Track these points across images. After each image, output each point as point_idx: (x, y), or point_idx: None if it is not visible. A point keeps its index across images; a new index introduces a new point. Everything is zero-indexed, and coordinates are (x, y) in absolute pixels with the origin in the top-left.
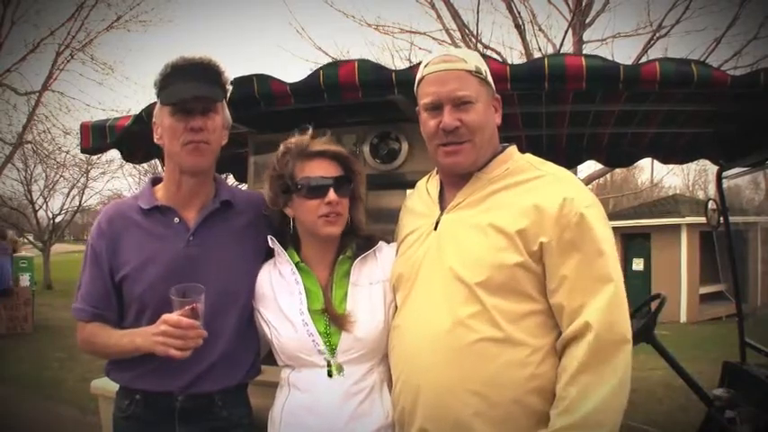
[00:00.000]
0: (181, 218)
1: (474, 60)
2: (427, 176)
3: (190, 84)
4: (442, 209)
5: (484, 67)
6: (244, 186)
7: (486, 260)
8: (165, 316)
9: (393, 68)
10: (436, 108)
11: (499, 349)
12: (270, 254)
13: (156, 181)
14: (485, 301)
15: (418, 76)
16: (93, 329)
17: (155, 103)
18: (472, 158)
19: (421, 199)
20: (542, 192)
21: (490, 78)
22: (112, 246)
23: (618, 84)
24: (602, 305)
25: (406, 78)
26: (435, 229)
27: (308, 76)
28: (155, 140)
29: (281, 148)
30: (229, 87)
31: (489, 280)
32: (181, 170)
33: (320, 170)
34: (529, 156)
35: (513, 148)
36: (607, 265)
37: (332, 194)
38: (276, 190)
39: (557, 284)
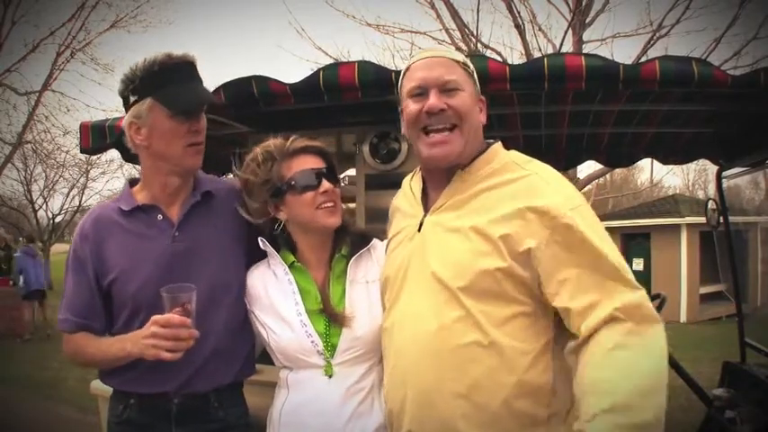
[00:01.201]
0: (164, 215)
1: (461, 57)
2: (412, 173)
3: (189, 86)
4: (426, 209)
5: (471, 65)
6: None
7: (469, 265)
8: (155, 317)
9: (393, 68)
10: (421, 94)
11: (485, 353)
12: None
13: (133, 182)
14: (468, 305)
15: (404, 68)
16: (80, 340)
17: None
18: (459, 149)
19: (406, 197)
20: (527, 194)
21: (476, 77)
22: (97, 250)
23: (618, 83)
24: (627, 298)
25: None
26: (419, 230)
27: (308, 76)
28: (135, 142)
29: (259, 156)
30: None
31: (472, 285)
32: (175, 171)
33: (308, 164)
34: (514, 154)
35: (497, 146)
36: (610, 262)
37: (326, 183)
38: (264, 197)
39: (555, 288)
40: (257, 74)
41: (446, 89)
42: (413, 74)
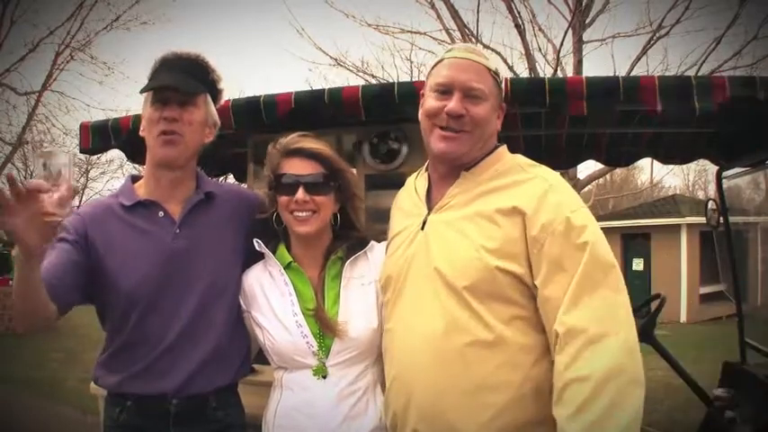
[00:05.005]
0: (165, 211)
1: (495, 63)
2: (417, 173)
3: (171, 74)
4: (430, 208)
5: (501, 73)
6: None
7: (472, 264)
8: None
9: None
10: (446, 92)
11: (491, 352)
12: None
13: (135, 178)
14: (473, 304)
15: (437, 60)
16: None
17: None
18: (466, 149)
19: (409, 196)
20: (529, 196)
21: (503, 85)
22: (93, 233)
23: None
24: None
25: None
26: (423, 228)
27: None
28: (139, 133)
29: (270, 147)
30: (221, 87)
31: (476, 284)
32: (156, 163)
33: (294, 168)
34: (519, 157)
35: (503, 149)
36: (602, 270)
37: (300, 193)
38: (265, 188)
39: (549, 290)
40: (266, 93)
41: (470, 95)
42: (442, 69)
